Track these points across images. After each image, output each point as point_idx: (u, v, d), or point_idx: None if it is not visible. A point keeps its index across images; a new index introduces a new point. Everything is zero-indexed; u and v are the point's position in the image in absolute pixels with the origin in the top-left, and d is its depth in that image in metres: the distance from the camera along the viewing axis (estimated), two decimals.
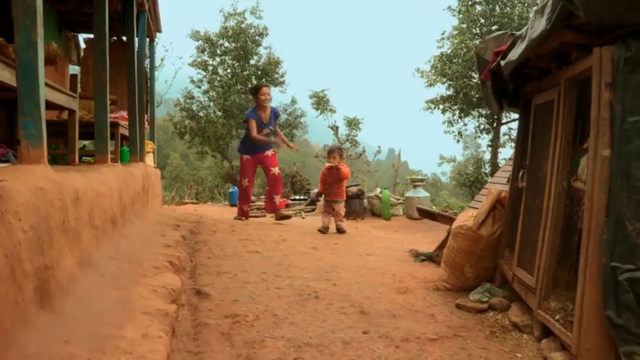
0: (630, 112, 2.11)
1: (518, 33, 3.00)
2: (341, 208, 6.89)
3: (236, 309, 3.15)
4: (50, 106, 3.63)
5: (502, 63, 3.03)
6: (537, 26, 2.48)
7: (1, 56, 2.79)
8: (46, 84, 3.04)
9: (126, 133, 6.23)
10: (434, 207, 9.62)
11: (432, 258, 4.74)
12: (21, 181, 2.13)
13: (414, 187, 9.01)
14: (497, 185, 4.50)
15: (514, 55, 2.82)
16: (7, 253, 1.84)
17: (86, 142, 7.58)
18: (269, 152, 7.49)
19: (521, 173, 3.35)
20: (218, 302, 3.29)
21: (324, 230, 6.60)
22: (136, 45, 6.37)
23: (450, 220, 4.76)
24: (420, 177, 9.84)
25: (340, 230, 6.71)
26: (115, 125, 5.70)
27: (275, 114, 7.61)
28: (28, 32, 2.53)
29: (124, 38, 7.16)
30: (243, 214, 7.62)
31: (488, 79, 3.48)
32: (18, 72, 2.54)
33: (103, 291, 2.81)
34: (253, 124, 7.28)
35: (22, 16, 2.51)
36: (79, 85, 5.84)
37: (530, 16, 10.13)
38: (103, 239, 3.42)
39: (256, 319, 2.98)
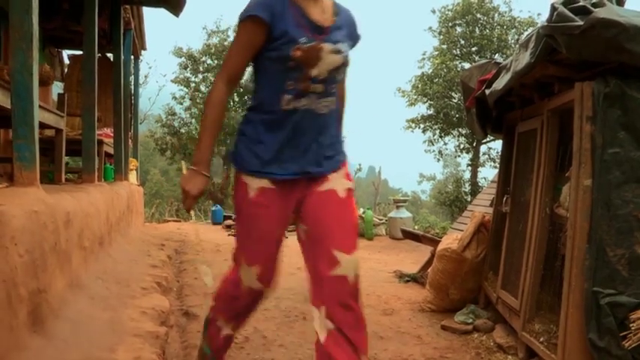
0: (610, 144, 2.22)
1: (502, 63, 3.12)
2: None
3: None
4: (39, 125, 3.63)
5: (487, 92, 3.14)
6: (522, 59, 2.59)
7: None
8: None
9: (109, 150, 6.21)
10: (416, 226, 9.74)
11: (416, 279, 4.81)
12: (16, 205, 2.14)
13: (397, 207, 9.11)
14: (480, 208, 4.61)
15: (499, 85, 2.94)
16: (5, 279, 1.86)
17: (67, 159, 7.52)
18: (338, 180, 1.92)
19: (505, 198, 3.45)
20: None
21: None
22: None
23: (434, 242, 4.84)
24: (402, 197, 9.95)
25: None
26: (99, 143, 5.68)
27: (351, 26, 1.94)
28: (23, 55, 2.55)
29: (109, 55, 7.16)
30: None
31: (473, 106, 3.60)
32: (13, 94, 2.56)
33: (92, 313, 2.81)
34: (255, 35, 1.77)
35: (19, 40, 2.54)
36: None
37: (509, 38, 10.32)
38: (91, 260, 3.41)
39: (246, 341, 3.00)
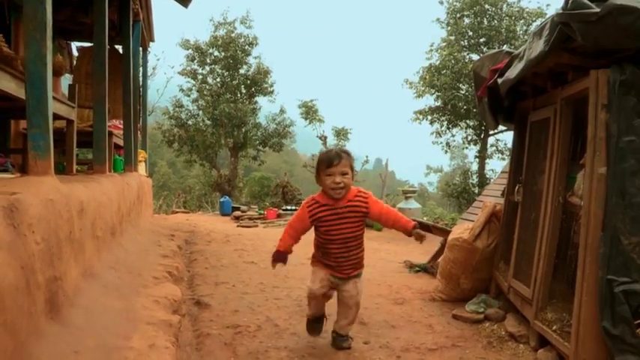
0: (625, 132, 2.20)
1: (515, 52, 3.10)
2: (356, 292, 2.94)
3: (237, 319, 3.19)
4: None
5: (499, 81, 3.12)
6: (535, 47, 2.57)
7: (9, 68, 2.81)
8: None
9: (119, 142, 6.24)
10: (424, 217, 9.73)
11: (426, 269, 4.81)
12: (32, 193, 2.16)
13: (406, 198, 9.11)
14: (490, 198, 4.59)
15: (512, 73, 2.91)
16: (24, 265, 1.87)
17: (75, 151, 7.55)
18: None
19: (517, 187, 3.44)
20: (218, 313, 3.32)
21: (313, 327, 2.96)
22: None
23: (444, 232, 4.84)
24: (411, 189, 9.94)
25: (340, 343, 2.85)
26: (108, 135, 5.71)
27: None
28: (37, 46, 2.56)
29: (117, 47, 7.17)
30: None
31: (484, 95, 3.57)
32: (27, 84, 2.57)
33: (106, 301, 2.83)
34: None
35: (32, 30, 2.55)
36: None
37: (517, 29, 10.22)
38: (103, 249, 3.44)
39: (258, 330, 3.02)
